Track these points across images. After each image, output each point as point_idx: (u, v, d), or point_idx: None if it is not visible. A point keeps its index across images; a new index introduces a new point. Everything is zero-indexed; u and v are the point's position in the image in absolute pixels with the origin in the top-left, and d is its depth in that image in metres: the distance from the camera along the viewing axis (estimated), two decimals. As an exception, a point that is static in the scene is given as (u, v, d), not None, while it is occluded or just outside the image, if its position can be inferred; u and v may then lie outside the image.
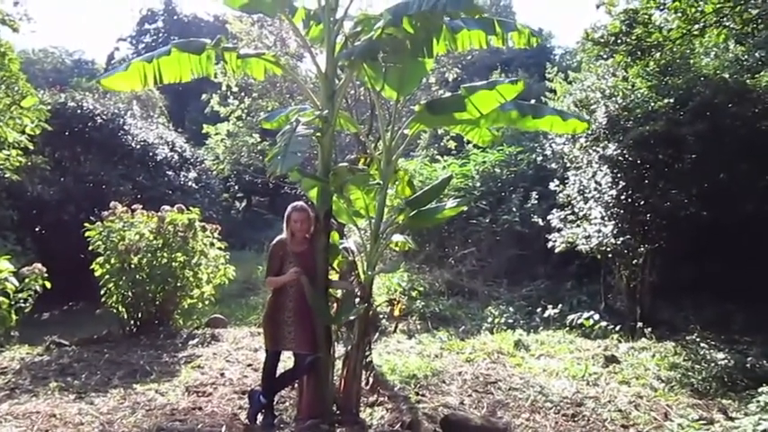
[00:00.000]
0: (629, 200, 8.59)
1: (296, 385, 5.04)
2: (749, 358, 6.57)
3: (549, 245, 10.10)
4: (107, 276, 7.78)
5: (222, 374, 6.22)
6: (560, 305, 9.88)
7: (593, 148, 9.03)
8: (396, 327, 8.91)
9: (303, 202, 4.86)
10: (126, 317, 8.09)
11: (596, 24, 8.43)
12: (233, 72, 4.84)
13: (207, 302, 8.71)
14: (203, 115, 15.68)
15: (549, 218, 10.45)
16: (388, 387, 5.82)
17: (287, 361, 6.63)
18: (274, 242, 4.84)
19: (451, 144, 14.56)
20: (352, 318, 4.76)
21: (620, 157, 8.53)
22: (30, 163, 11.08)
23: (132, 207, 8.25)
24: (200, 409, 5.14)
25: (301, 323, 4.69)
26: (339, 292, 4.98)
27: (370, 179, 4.71)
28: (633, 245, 8.73)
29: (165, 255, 7.96)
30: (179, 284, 8.16)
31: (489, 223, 12.65)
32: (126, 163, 14.55)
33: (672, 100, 8.33)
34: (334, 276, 5.03)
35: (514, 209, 12.65)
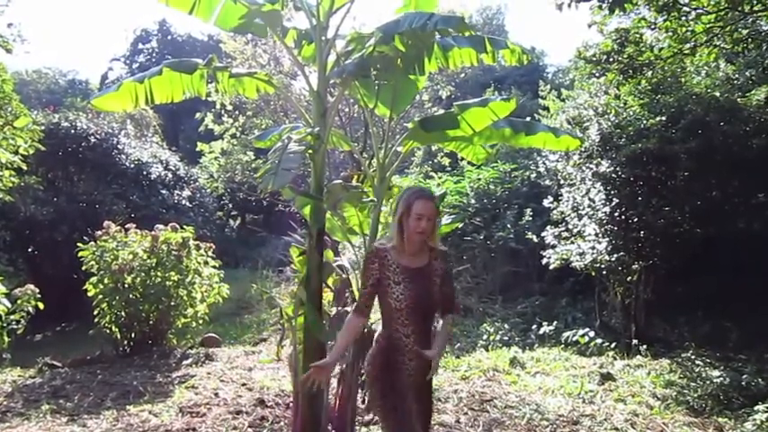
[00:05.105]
0: (623, 217, 8.61)
1: (290, 405, 4.99)
2: (744, 376, 6.55)
3: (544, 261, 10.10)
4: (100, 296, 7.74)
5: (216, 394, 6.17)
6: (555, 322, 9.87)
7: (587, 165, 9.07)
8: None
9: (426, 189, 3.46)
10: (119, 337, 8.04)
11: (588, 43, 8.51)
12: (225, 91, 4.84)
13: (201, 321, 8.66)
14: (197, 133, 15.72)
15: (543, 234, 10.45)
16: (384, 406, 5.78)
17: (282, 380, 6.61)
18: (372, 248, 3.42)
19: (445, 161, 14.61)
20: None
21: (613, 175, 8.56)
22: (23, 183, 11.04)
23: (126, 226, 8.22)
24: (194, 429, 5.09)
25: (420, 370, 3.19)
26: (334, 310, 4.95)
27: (363, 196, 4.71)
28: (627, 262, 8.73)
29: (158, 274, 7.93)
30: (173, 303, 8.12)
31: (484, 240, 12.65)
32: (120, 182, 14.51)
33: (664, 118, 8.38)
34: (328, 295, 4.99)
35: (509, 225, 12.66)
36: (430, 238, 3.22)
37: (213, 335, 9.61)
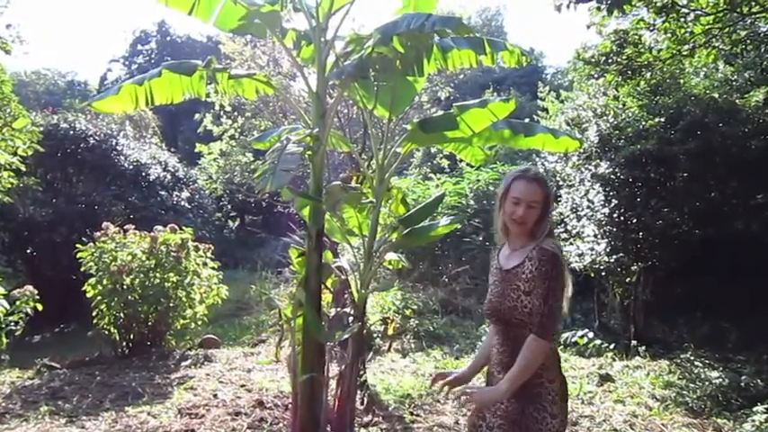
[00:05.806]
0: (622, 218, 8.61)
1: (289, 406, 4.98)
2: (743, 377, 6.56)
3: (543, 263, 10.09)
4: (99, 297, 7.71)
5: (215, 396, 6.16)
6: (554, 323, 9.85)
7: (586, 166, 9.07)
8: (390, 346, 8.87)
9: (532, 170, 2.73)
10: (118, 338, 8.02)
11: (587, 44, 8.52)
12: (224, 92, 4.82)
13: (200, 323, 8.64)
14: (196, 135, 15.67)
15: (542, 236, 10.43)
16: (383, 407, 5.79)
17: (281, 381, 6.61)
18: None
19: (445, 162, 14.60)
20: (345, 337, 4.71)
21: (611, 176, 8.56)
22: (22, 184, 11.03)
23: (125, 227, 8.21)
24: (192, 431, 5.08)
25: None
26: (333, 311, 4.94)
27: (362, 197, 4.70)
28: (626, 263, 8.73)
29: (157, 275, 7.91)
30: (171, 305, 8.10)
31: (483, 241, 12.64)
32: (118, 183, 14.50)
33: (662, 119, 8.38)
34: (327, 296, 4.98)
35: (508, 227, 12.63)
36: (531, 223, 2.59)
37: (212, 336, 9.59)
